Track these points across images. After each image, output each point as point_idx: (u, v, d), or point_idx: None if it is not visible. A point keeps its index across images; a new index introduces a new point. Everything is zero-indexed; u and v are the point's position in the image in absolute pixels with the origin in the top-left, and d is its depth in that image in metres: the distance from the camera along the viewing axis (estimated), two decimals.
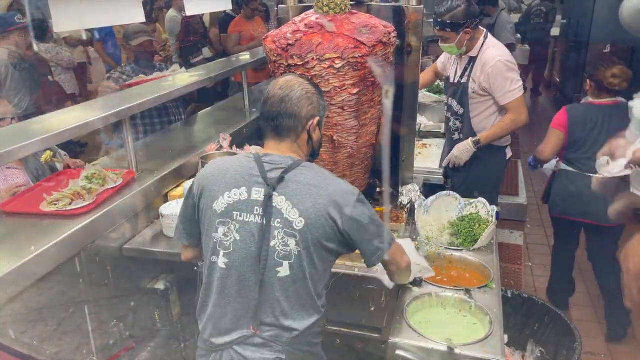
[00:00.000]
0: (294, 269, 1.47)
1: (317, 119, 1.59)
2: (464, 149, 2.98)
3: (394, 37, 2.02)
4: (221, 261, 1.52)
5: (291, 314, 1.50)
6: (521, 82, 2.92)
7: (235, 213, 1.50)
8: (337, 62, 1.89)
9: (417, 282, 1.97)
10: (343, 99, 1.97)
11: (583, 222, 3.12)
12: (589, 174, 2.82)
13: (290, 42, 1.94)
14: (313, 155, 1.69)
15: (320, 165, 2.15)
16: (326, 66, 1.90)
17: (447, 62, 3.24)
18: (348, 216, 1.46)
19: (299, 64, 1.93)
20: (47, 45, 5.37)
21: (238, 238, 1.49)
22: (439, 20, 2.85)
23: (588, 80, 3.07)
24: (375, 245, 1.52)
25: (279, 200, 1.47)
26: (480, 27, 2.96)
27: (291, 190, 1.47)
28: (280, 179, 1.48)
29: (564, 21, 8.71)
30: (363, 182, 2.32)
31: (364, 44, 1.89)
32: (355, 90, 1.96)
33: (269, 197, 1.47)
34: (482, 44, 2.94)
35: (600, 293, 3.36)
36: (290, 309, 1.50)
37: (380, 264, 1.59)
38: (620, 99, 2.95)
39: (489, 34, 3.02)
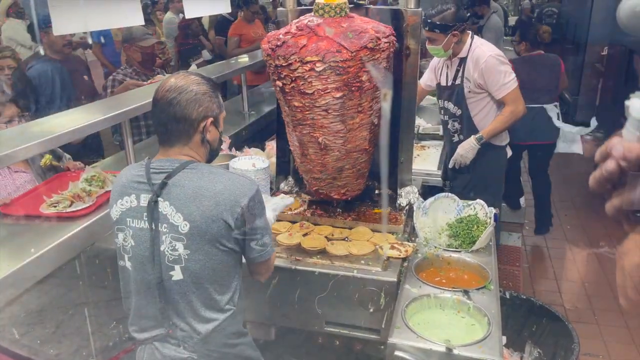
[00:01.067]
0: (186, 272, 1.49)
1: (209, 120, 1.56)
2: (468, 147, 3.02)
3: (385, 42, 1.99)
4: (127, 264, 1.57)
5: (194, 316, 1.54)
6: (514, 75, 2.99)
7: (128, 219, 1.53)
8: (318, 65, 1.91)
9: None
10: (327, 102, 1.99)
11: (526, 145, 4.28)
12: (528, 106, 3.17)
13: (278, 43, 1.98)
14: (212, 154, 1.66)
15: (309, 167, 2.21)
16: (307, 68, 1.92)
17: (435, 71, 3.30)
18: (238, 214, 1.49)
19: (283, 64, 1.96)
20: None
21: (133, 244, 1.53)
22: (429, 21, 2.94)
23: (523, 42, 4.24)
24: (257, 247, 1.58)
25: (164, 206, 1.48)
26: (467, 30, 3.05)
27: (174, 195, 1.48)
28: (163, 185, 1.48)
29: (562, 22, 8.73)
30: (355, 186, 2.32)
31: (346, 49, 1.90)
32: (338, 94, 1.97)
33: (153, 203, 1.48)
34: (470, 44, 3.03)
35: (534, 200, 4.64)
36: (192, 311, 1.53)
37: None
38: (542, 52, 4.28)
39: (475, 35, 3.11)
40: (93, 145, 3.85)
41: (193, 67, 4.97)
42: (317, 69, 1.91)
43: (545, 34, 4.56)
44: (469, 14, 5.09)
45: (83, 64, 4.53)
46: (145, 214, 1.49)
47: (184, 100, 1.50)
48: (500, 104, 3.04)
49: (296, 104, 2.04)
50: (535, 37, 4.33)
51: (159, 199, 1.48)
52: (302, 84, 1.96)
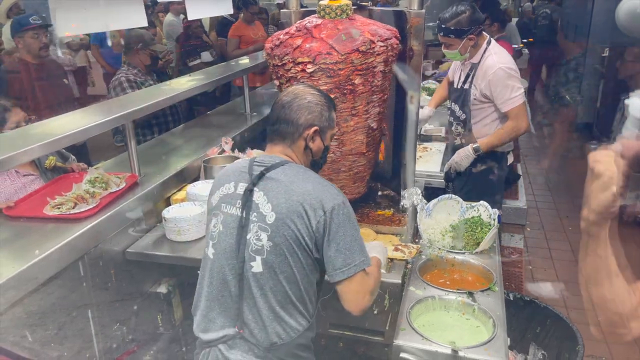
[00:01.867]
0: (266, 264, 1.49)
1: (314, 128, 1.60)
2: (463, 155, 2.98)
3: (381, 46, 1.96)
4: (210, 251, 1.59)
5: (269, 314, 1.50)
6: (522, 90, 2.90)
7: (223, 205, 1.58)
8: (309, 66, 1.93)
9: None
10: None
11: None
12: None
13: (277, 43, 2.00)
14: (315, 165, 1.70)
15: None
16: (299, 69, 1.95)
17: (454, 67, 3.24)
18: (320, 216, 1.46)
19: (278, 64, 1.99)
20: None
21: (221, 229, 1.56)
22: (443, 26, 2.83)
23: (495, 23, 4.45)
24: (338, 261, 1.48)
25: (257, 195, 1.52)
26: (484, 32, 2.97)
27: (269, 186, 1.52)
28: (260, 175, 1.54)
29: (562, 24, 8.74)
30: (354, 189, 2.32)
31: (337, 51, 1.91)
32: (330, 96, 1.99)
33: (249, 191, 1.53)
34: (485, 50, 2.93)
35: None
36: (269, 311, 1.50)
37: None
38: None
39: (492, 39, 3.01)
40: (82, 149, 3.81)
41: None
42: (308, 70, 1.94)
43: (510, 14, 5.26)
44: (485, 17, 5.06)
45: (60, 68, 4.47)
46: (239, 201, 1.54)
47: (296, 105, 1.59)
48: (503, 116, 2.96)
49: None
50: (504, 18, 5.01)
51: (255, 188, 1.53)
52: (296, 85, 1.97)
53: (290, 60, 1.96)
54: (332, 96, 1.93)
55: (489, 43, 2.96)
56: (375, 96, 2.06)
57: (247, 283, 1.50)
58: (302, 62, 1.94)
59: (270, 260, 1.48)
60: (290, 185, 1.50)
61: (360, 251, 1.51)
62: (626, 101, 1.54)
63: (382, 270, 2.00)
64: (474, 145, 2.95)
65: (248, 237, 1.50)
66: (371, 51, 1.95)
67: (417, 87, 2.29)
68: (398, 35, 2.09)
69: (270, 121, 1.64)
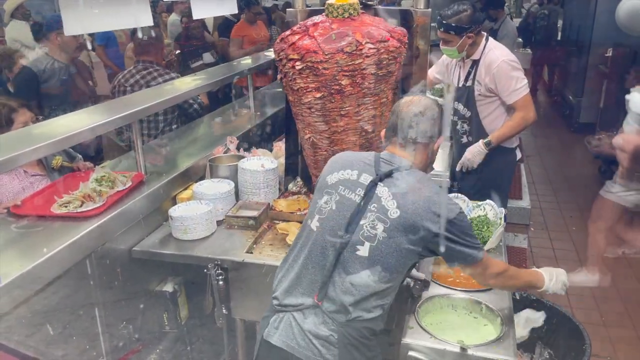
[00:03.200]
0: (373, 252, 1.56)
1: (442, 139, 1.74)
2: (476, 152, 3.01)
3: (371, 48, 1.94)
4: (314, 224, 1.66)
5: (354, 297, 1.57)
6: (526, 80, 2.97)
7: (341, 187, 1.66)
8: (297, 63, 1.98)
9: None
10: (309, 101, 2.04)
11: None
12: None
13: (280, 39, 2.07)
14: (428, 169, 1.80)
15: (308, 161, 2.32)
16: (290, 66, 2.00)
17: (446, 70, 3.27)
18: (439, 230, 1.55)
19: (277, 59, 2.05)
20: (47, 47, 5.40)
21: (334, 208, 1.64)
22: (444, 22, 2.90)
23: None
24: (457, 259, 1.63)
25: (381, 190, 1.61)
26: (482, 32, 3.02)
27: (396, 184, 1.61)
28: (389, 173, 1.63)
29: (565, 25, 8.74)
30: None
31: (322, 50, 1.93)
32: (318, 95, 2.00)
33: (374, 184, 1.61)
34: (484, 47, 2.99)
35: None
36: (356, 292, 1.57)
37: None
38: None
39: (489, 37, 3.07)
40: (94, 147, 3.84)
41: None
42: (297, 67, 1.99)
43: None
44: (484, 18, 5.12)
45: (87, 68, 4.53)
46: (359, 189, 1.63)
47: (429, 116, 1.68)
48: (510, 108, 3.01)
49: (290, 98, 2.14)
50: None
51: (380, 183, 1.61)
52: (290, 81, 2.04)
53: (284, 57, 2.02)
54: (319, 95, 2.00)
55: (487, 40, 3.03)
56: (367, 98, 2.04)
57: (344, 263, 1.58)
58: (292, 59, 1.99)
59: (379, 249, 1.56)
60: (417, 190, 1.59)
61: (473, 249, 1.62)
62: (627, 96, 1.54)
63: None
64: (485, 140, 2.99)
65: (362, 222, 1.59)
66: (358, 52, 1.94)
67: (422, 63, 2.32)
68: (403, 38, 2.06)
69: (400, 126, 1.69)
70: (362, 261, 1.57)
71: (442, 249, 1.57)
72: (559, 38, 8.98)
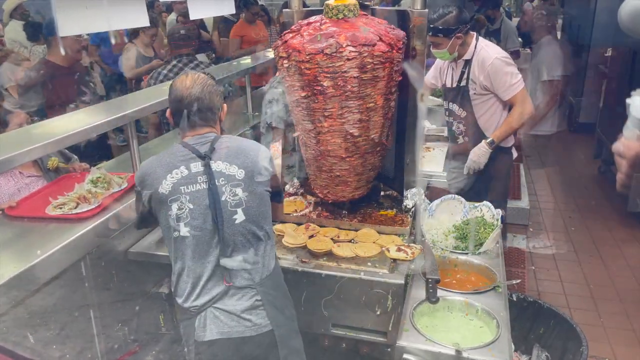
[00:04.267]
0: (247, 211, 1.76)
1: (225, 105, 1.92)
2: (480, 153, 3.01)
3: (353, 51, 1.93)
4: (184, 231, 1.74)
5: (254, 254, 1.76)
6: (520, 75, 2.99)
7: (182, 188, 1.74)
8: (285, 62, 2.04)
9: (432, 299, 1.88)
10: (297, 99, 2.07)
11: None
12: None
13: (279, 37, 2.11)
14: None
15: (298, 159, 2.48)
16: (280, 63, 2.07)
17: (440, 72, 3.29)
18: (268, 162, 1.84)
19: (274, 56, 2.13)
20: (42, 46, 5.40)
21: (192, 207, 1.73)
22: (431, 26, 2.91)
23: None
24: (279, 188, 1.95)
25: (216, 165, 1.76)
26: (471, 31, 3.03)
27: (224, 154, 1.77)
28: (212, 149, 1.77)
29: (565, 24, 8.72)
30: (337, 192, 2.31)
31: (304, 51, 1.96)
32: (303, 94, 2.02)
33: (207, 166, 1.74)
34: (475, 46, 3.01)
35: None
36: (253, 250, 1.76)
37: None
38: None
39: (479, 37, 3.09)
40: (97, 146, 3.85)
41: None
42: (285, 65, 2.04)
43: (481, 18, 5.36)
44: (486, 18, 5.12)
45: (85, 70, 4.53)
46: (199, 177, 1.75)
47: (207, 92, 1.82)
48: (505, 105, 3.03)
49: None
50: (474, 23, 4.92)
51: (211, 161, 1.75)
52: (283, 77, 2.09)
53: (277, 54, 2.08)
54: (304, 94, 2.04)
55: (477, 39, 3.04)
56: (351, 102, 2.02)
57: (232, 235, 1.74)
58: (282, 57, 2.04)
59: (249, 207, 1.76)
60: (241, 148, 1.81)
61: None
62: (627, 100, 1.52)
63: (385, 271, 2.00)
64: (488, 140, 3.00)
65: (223, 199, 1.73)
66: (338, 55, 1.93)
67: (419, 63, 2.27)
68: (397, 42, 2.03)
69: (188, 111, 1.80)
70: (244, 224, 1.75)
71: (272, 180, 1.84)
72: (557, 37, 8.95)
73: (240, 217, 1.74)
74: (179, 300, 1.78)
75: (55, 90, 3.84)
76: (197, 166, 1.75)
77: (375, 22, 2.09)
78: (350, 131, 2.07)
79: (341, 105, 2.02)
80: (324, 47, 1.93)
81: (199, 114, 1.82)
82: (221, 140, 1.83)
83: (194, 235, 1.73)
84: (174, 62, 4.08)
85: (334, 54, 1.92)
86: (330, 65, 1.94)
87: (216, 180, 1.74)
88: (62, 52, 3.84)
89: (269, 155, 1.87)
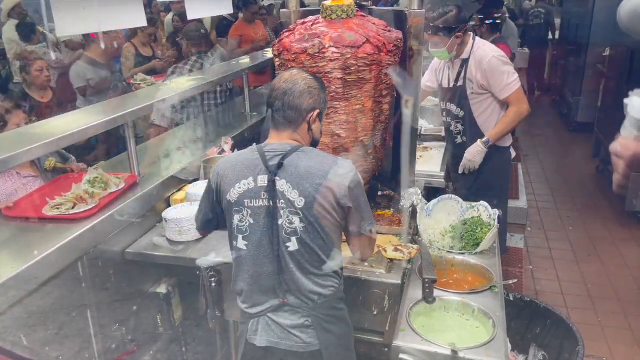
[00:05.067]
0: (301, 243, 1.64)
1: (317, 111, 1.72)
2: (475, 152, 3.01)
3: (335, 53, 1.93)
4: (241, 244, 1.70)
5: (308, 282, 1.67)
6: (517, 75, 3.00)
7: (246, 201, 1.67)
8: (276, 59, 2.08)
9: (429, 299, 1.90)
10: None
11: None
12: None
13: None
14: (314, 144, 1.82)
15: None
16: (274, 62, 2.12)
17: (436, 73, 3.29)
18: (345, 192, 1.63)
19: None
20: (35, 46, 5.40)
21: (252, 222, 1.67)
22: (431, 25, 2.90)
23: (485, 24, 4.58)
24: (359, 221, 1.70)
25: (281, 184, 1.63)
26: (469, 31, 3.04)
27: (290, 173, 1.63)
28: (280, 165, 1.64)
29: (563, 24, 8.72)
30: None
31: (291, 49, 1.98)
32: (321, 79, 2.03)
33: (272, 183, 1.63)
34: (472, 46, 3.01)
35: None
36: (307, 279, 1.67)
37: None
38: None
39: (476, 36, 3.10)
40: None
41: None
42: (277, 63, 2.08)
43: (499, 12, 5.27)
44: (491, 21, 5.13)
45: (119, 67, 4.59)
46: (263, 193, 1.65)
47: (297, 91, 1.68)
48: (503, 104, 3.03)
49: None
50: (493, 19, 5.02)
51: (276, 177, 1.63)
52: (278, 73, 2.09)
53: (273, 52, 2.12)
54: None
55: (474, 39, 3.04)
56: (337, 103, 2.02)
57: (285, 260, 1.66)
58: (274, 55, 2.08)
59: (304, 238, 1.64)
60: (310, 170, 1.63)
61: (369, 215, 1.75)
62: (625, 100, 1.52)
63: (382, 271, 2.01)
64: (484, 139, 3.00)
65: (280, 222, 1.64)
66: (321, 55, 1.93)
67: (414, 91, 2.27)
68: (387, 45, 2.01)
69: (273, 108, 1.71)
70: (297, 254, 1.65)
71: (348, 211, 1.66)
72: (555, 37, 8.96)
73: (293, 246, 1.65)
74: (238, 301, 1.79)
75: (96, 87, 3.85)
76: (263, 180, 1.65)
77: (368, 23, 2.08)
78: (337, 132, 2.07)
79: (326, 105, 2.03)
80: (307, 47, 1.94)
81: (279, 113, 1.69)
82: (296, 154, 1.66)
83: (250, 250, 1.69)
84: (195, 58, 4.18)
85: (317, 54, 1.94)
86: (314, 65, 1.95)
87: (277, 201, 1.63)
88: (102, 48, 3.85)
89: (347, 182, 1.63)
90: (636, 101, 1.48)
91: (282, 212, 1.63)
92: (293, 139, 1.71)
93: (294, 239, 1.64)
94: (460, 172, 3.11)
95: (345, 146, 2.13)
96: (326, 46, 1.93)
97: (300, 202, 1.61)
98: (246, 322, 1.77)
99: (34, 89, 3.80)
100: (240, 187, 1.67)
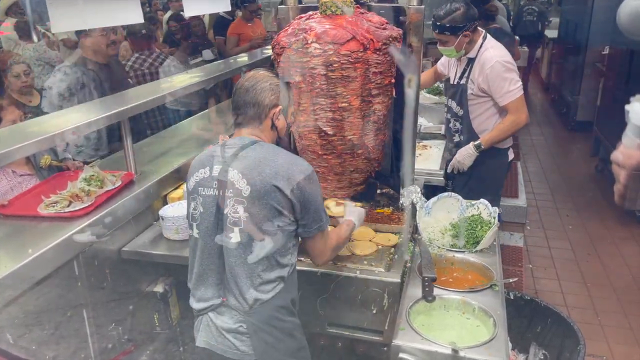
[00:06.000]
0: (243, 234, 1.62)
1: (279, 107, 1.75)
2: (466, 154, 2.96)
3: (317, 49, 1.92)
4: (195, 232, 1.71)
5: (247, 282, 1.63)
6: (520, 83, 2.90)
7: (200, 188, 1.69)
8: (272, 54, 2.12)
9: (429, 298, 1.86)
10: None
11: None
12: None
13: None
14: (281, 142, 1.85)
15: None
16: (272, 59, 2.15)
17: (447, 64, 3.23)
18: (294, 185, 1.61)
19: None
20: (33, 44, 5.37)
21: (202, 210, 1.68)
22: (438, 23, 2.84)
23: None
24: (308, 221, 1.67)
25: (232, 174, 1.63)
26: (479, 28, 2.96)
27: (243, 164, 1.64)
28: (234, 156, 1.66)
29: (562, 22, 8.72)
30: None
31: (280, 44, 2.00)
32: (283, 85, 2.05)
33: (224, 172, 1.64)
34: (481, 45, 2.93)
35: None
36: (246, 277, 1.63)
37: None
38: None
39: (487, 35, 3.00)
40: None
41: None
42: (272, 58, 2.11)
43: (492, 7, 5.16)
44: (489, 13, 5.14)
45: (122, 66, 4.48)
46: (215, 182, 1.66)
47: (259, 88, 1.70)
48: (501, 110, 2.95)
49: None
50: (486, 12, 4.97)
51: (229, 168, 1.64)
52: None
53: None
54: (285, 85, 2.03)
55: (484, 38, 2.95)
56: (322, 99, 2.00)
57: (228, 253, 1.64)
58: (271, 48, 2.11)
59: (246, 229, 1.62)
60: (262, 161, 1.63)
61: (324, 214, 1.74)
62: (626, 107, 1.48)
63: (381, 269, 1.98)
64: (475, 143, 2.94)
65: (225, 211, 1.63)
66: (304, 50, 1.93)
67: (416, 69, 2.21)
68: (375, 43, 1.98)
69: (236, 106, 1.74)
70: (239, 247, 1.62)
71: (296, 208, 1.63)
72: (555, 36, 8.95)
73: (235, 237, 1.62)
74: (190, 299, 1.77)
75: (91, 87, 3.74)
76: (217, 170, 1.66)
77: (362, 20, 2.04)
78: (324, 129, 2.06)
79: (312, 101, 2.02)
80: (292, 42, 1.95)
81: (241, 110, 1.72)
82: (253, 147, 1.67)
83: (201, 239, 1.69)
84: (133, 59, 4.48)
85: (300, 49, 1.93)
86: (299, 60, 1.95)
87: (226, 190, 1.63)
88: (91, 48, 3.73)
89: (297, 176, 1.62)
90: (637, 108, 1.44)
91: (228, 201, 1.62)
92: (254, 134, 1.74)
93: (236, 229, 1.61)
94: (449, 170, 3.07)
95: (333, 144, 2.11)
96: (309, 42, 1.92)
97: (246, 191, 1.60)
98: (194, 319, 1.77)
99: (17, 93, 3.69)
100: (197, 176, 1.70)
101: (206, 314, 1.71)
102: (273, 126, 1.76)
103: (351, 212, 2.02)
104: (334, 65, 1.94)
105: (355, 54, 1.93)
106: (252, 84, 1.71)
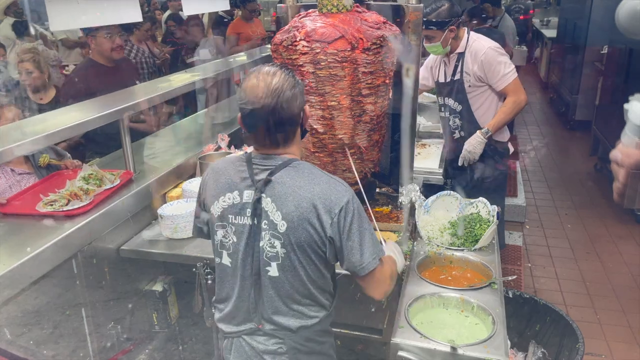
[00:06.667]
0: (282, 269, 1.50)
1: (306, 105, 1.55)
2: (475, 142, 3.02)
3: (305, 47, 1.91)
4: (226, 260, 1.58)
5: (286, 312, 1.54)
6: (513, 65, 3.02)
7: (230, 216, 1.54)
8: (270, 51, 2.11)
9: None
10: None
11: None
12: None
13: None
14: (303, 134, 1.63)
15: None
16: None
17: (431, 70, 3.30)
18: (333, 219, 1.44)
19: None
20: (30, 43, 5.37)
21: (235, 240, 1.54)
22: (424, 19, 2.91)
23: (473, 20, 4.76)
24: (356, 257, 1.48)
25: (266, 202, 1.48)
26: (462, 25, 3.07)
27: (277, 192, 1.47)
28: (267, 182, 1.48)
29: (560, 22, 8.72)
30: None
31: (274, 40, 2.02)
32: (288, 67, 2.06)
33: (257, 200, 1.48)
34: (467, 39, 3.05)
35: None
36: (286, 307, 1.53)
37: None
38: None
39: (471, 30, 3.12)
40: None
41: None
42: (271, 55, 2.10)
43: (488, 7, 5.51)
44: (484, 15, 5.25)
45: (133, 66, 4.41)
46: (247, 209, 1.50)
47: (284, 99, 1.43)
48: (500, 95, 3.05)
49: None
50: (481, 13, 5.34)
51: (262, 195, 1.48)
52: None
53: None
54: None
55: (468, 33, 3.08)
56: (311, 97, 1.99)
57: (265, 285, 1.53)
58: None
59: (285, 265, 1.49)
60: (298, 190, 1.46)
61: (374, 244, 1.51)
62: (625, 106, 1.48)
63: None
64: (483, 130, 3.01)
65: (261, 244, 1.50)
66: (293, 48, 1.93)
67: (415, 58, 2.20)
68: (364, 43, 1.94)
69: (258, 125, 1.48)
70: (277, 280, 1.51)
71: (337, 244, 1.46)
72: (553, 36, 8.96)
73: (273, 271, 1.50)
74: (215, 316, 1.68)
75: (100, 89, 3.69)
76: (249, 195, 1.50)
77: (356, 19, 2.03)
78: (315, 126, 2.06)
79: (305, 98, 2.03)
80: (283, 39, 1.95)
81: (271, 129, 1.47)
82: (286, 170, 1.49)
83: (233, 269, 1.57)
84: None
85: (290, 46, 1.94)
86: (289, 57, 1.96)
87: (261, 221, 1.48)
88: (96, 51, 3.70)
89: (335, 208, 1.44)
90: (636, 106, 1.44)
91: (263, 233, 1.48)
92: (286, 152, 1.53)
93: (274, 264, 1.49)
94: (460, 164, 3.12)
95: (324, 142, 2.10)
96: (297, 39, 1.93)
97: (282, 226, 1.45)
98: (222, 339, 1.69)
99: (29, 90, 3.68)
100: (224, 201, 1.54)
101: (239, 337, 1.61)
102: (301, 127, 1.56)
103: (389, 248, 1.79)
104: (322, 63, 1.93)
105: (342, 52, 1.90)
106: (275, 99, 1.43)
